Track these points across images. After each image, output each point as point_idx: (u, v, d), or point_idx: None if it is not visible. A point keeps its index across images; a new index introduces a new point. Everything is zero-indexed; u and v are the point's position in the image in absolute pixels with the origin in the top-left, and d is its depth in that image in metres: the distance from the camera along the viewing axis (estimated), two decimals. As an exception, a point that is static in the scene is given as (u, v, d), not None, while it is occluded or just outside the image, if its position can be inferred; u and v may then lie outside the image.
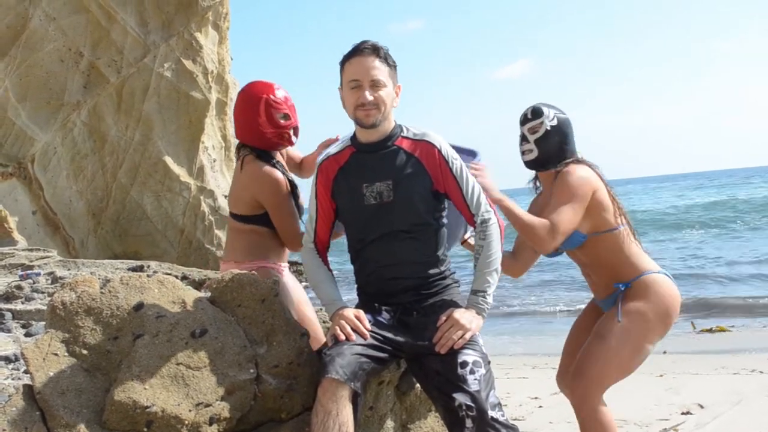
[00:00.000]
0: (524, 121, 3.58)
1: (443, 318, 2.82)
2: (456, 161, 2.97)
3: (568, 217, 3.29)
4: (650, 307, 3.31)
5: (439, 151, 2.96)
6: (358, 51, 2.91)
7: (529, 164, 3.59)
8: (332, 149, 3.11)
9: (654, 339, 3.35)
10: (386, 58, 2.93)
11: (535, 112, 3.55)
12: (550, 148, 3.51)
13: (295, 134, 3.62)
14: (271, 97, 3.52)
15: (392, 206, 2.92)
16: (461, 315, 2.81)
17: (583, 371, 3.30)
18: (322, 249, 3.14)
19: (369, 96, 2.88)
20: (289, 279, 3.56)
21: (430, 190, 2.95)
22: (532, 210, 3.66)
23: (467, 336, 2.76)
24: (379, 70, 2.90)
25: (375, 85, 2.88)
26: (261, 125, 3.50)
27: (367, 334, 2.79)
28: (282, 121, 3.53)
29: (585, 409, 3.27)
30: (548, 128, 3.51)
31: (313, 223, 3.11)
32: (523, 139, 3.57)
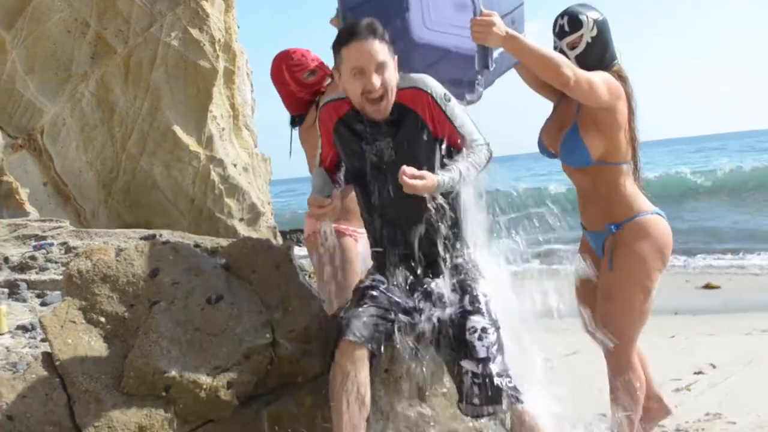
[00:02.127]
0: (561, 34, 3.31)
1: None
2: (448, 102, 2.83)
3: (594, 77, 3.10)
4: (644, 250, 3.28)
5: (432, 96, 2.82)
6: (355, 35, 2.72)
7: None
8: (334, 95, 2.98)
9: (655, 278, 3.33)
10: (383, 36, 2.76)
11: (573, 23, 3.26)
12: (590, 62, 3.25)
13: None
14: (290, 62, 3.52)
15: (395, 165, 2.79)
16: (425, 175, 2.62)
17: (611, 330, 3.31)
18: (330, 171, 3.04)
19: (376, 81, 2.73)
20: (362, 247, 3.52)
21: (432, 140, 2.84)
22: (550, 124, 3.50)
23: (418, 188, 2.59)
24: (380, 51, 2.74)
25: (380, 67, 2.74)
26: (296, 93, 3.51)
27: (329, 202, 2.78)
28: (311, 79, 3.52)
29: (627, 364, 3.30)
30: (589, 41, 3.26)
31: (319, 153, 3.05)
32: (561, 53, 3.23)
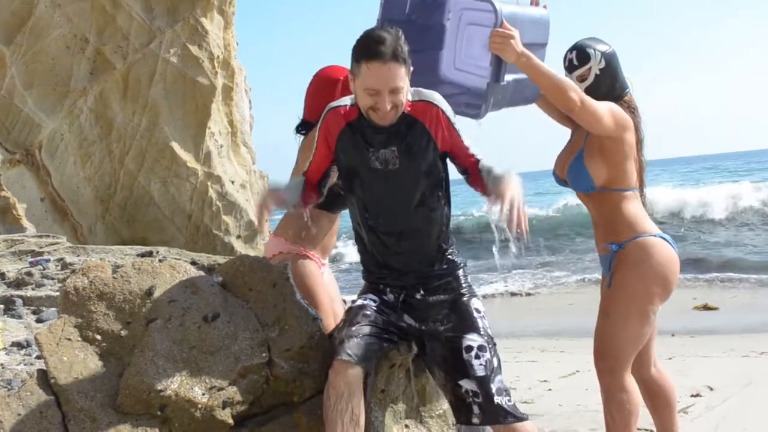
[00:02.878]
0: (570, 67, 3.37)
1: (503, 199, 2.62)
2: (454, 119, 2.85)
3: (600, 106, 3.17)
4: (644, 270, 3.27)
5: (442, 111, 2.82)
6: (378, 55, 2.62)
7: None
8: (343, 101, 2.95)
9: (655, 302, 3.31)
10: (405, 58, 2.67)
11: (582, 56, 3.33)
12: (600, 93, 3.31)
13: None
14: (346, 82, 3.57)
15: (397, 174, 2.82)
16: (510, 187, 2.64)
17: (601, 352, 3.32)
18: (310, 183, 3.01)
19: (388, 105, 2.69)
20: (327, 274, 3.53)
21: (436, 154, 2.84)
22: (563, 152, 3.55)
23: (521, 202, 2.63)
24: (399, 76, 2.66)
25: (394, 91, 2.68)
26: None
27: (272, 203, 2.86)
28: None
29: (616, 386, 3.28)
30: (597, 73, 3.32)
31: (308, 162, 3.02)
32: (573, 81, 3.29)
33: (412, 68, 2.74)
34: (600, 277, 3.64)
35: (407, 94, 2.77)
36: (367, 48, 2.65)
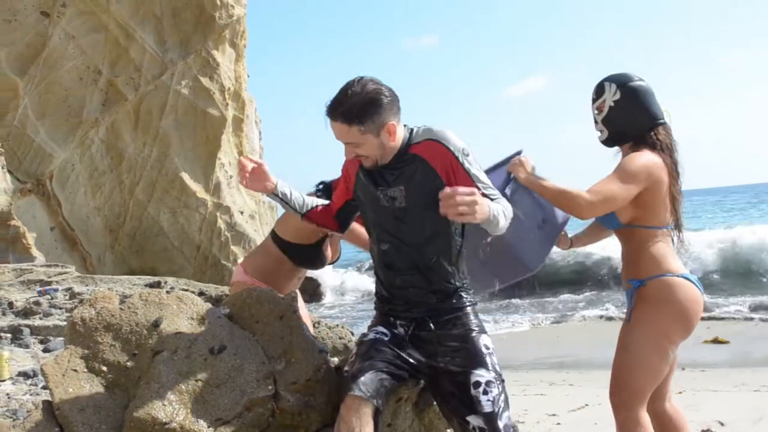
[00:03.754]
0: (593, 100, 3.49)
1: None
2: (467, 157, 2.83)
3: (612, 187, 3.21)
4: (664, 309, 3.25)
5: (447, 148, 2.83)
6: (327, 112, 2.79)
7: (604, 144, 3.48)
8: None
9: (674, 340, 3.28)
10: (349, 119, 2.74)
11: (598, 90, 3.45)
12: (618, 125, 3.40)
13: None
14: None
15: (405, 212, 2.86)
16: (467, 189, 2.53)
17: (617, 385, 3.30)
18: (330, 208, 3.18)
19: (350, 156, 2.86)
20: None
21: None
22: None
23: (470, 205, 2.47)
24: (348, 134, 2.77)
25: (349, 145, 2.82)
26: None
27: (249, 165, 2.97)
28: None
29: (630, 421, 3.25)
30: (611, 105, 3.39)
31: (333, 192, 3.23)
32: (594, 119, 3.48)
33: (365, 127, 2.77)
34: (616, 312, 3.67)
35: (382, 144, 2.81)
36: (325, 107, 2.82)
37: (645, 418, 3.29)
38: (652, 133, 3.38)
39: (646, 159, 3.29)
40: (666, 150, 3.37)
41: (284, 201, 3.10)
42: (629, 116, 3.38)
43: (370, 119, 2.76)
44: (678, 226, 3.43)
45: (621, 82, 3.40)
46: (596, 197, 3.18)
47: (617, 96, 3.38)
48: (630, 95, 3.38)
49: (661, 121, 3.40)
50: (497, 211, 2.65)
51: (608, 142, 3.46)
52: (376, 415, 2.63)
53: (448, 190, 2.47)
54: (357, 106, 2.73)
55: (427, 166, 2.84)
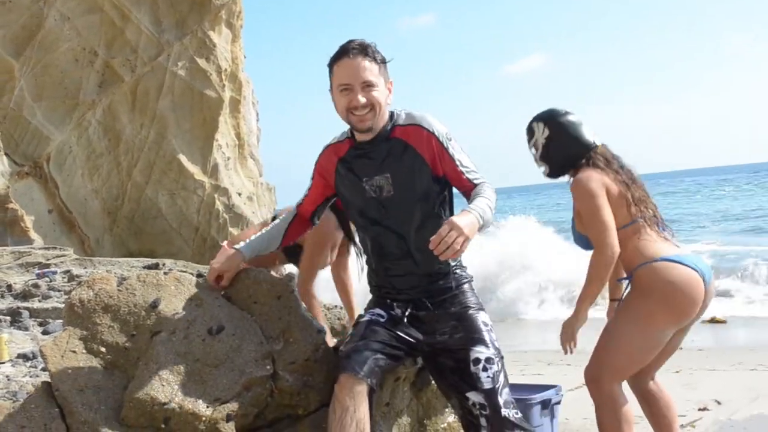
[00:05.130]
0: (527, 141, 3.66)
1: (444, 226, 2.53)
2: (450, 141, 2.84)
3: (599, 218, 3.32)
4: (648, 294, 3.28)
5: (431, 133, 2.83)
6: (346, 52, 2.77)
7: (549, 177, 3.64)
8: (333, 138, 3.03)
9: (662, 323, 3.27)
10: (375, 56, 2.79)
11: (528, 131, 3.63)
12: (555, 159, 3.57)
13: None
14: None
15: (393, 200, 2.85)
16: (459, 218, 2.56)
17: (594, 362, 3.38)
18: (301, 216, 3.12)
19: (362, 99, 2.76)
20: None
21: (430, 178, 2.85)
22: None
23: (464, 242, 2.50)
24: (369, 70, 2.76)
25: (367, 86, 2.76)
26: None
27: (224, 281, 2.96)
28: None
29: (598, 395, 3.33)
30: (543, 142, 3.56)
31: (305, 193, 3.11)
32: (533, 158, 3.64)
33: (383, 69, 2.83)
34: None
35: (387, 98, 2.84)
36: (336, 53, 2.82)
37: (616, 391, 3.32)
38: (589, 159, 3.50)
39: (586, 175, 3.42)
40: (608, 164, 3.49)
41: (258, 256, 3.07)
42: (562, 149, 3.54)
43: (385, 67, 2.86)
44: (649, 217, 3.46)
45: (547, 119, 3.57)
46: (602, 238, 3.29)
47: (546, 133, 3.55)
48: (558, 130, 3.54)
49: (593, 146, 3.53)
50: (483, 210, 2.66)
51: (552, 175, 3.62)
52: (371, 394, 2.63)
53: (434, 239, 2.49)
54: (374, 48, 2.81)
55: (413, 151, 2.84)
